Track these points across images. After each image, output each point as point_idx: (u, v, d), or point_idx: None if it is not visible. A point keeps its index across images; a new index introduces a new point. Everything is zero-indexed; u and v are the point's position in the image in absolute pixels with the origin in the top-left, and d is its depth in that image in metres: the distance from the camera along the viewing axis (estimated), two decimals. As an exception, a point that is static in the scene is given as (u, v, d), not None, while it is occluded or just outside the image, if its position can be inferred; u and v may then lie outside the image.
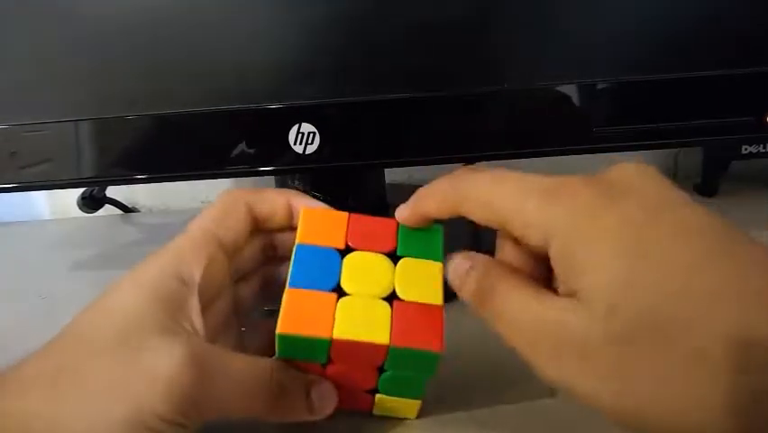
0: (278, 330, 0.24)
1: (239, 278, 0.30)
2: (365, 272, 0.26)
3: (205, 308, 0.26)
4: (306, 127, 0.38)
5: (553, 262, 0.21)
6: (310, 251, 0.26)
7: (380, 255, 0.26)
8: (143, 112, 0.38)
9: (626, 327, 0.18)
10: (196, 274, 0.25)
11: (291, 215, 0.29)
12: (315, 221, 0.27)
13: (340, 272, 0.26)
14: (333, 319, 0.24)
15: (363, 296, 0.25)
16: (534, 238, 0.21)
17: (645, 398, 0.19)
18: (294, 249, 0.26)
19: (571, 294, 0.20)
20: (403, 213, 0.27)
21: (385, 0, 0.37)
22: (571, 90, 0.38)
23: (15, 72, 0.38)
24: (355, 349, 0.24)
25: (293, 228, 0.28)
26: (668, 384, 0.18)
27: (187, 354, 0.22)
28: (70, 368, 0.22)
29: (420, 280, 0.26)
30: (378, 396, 0.26)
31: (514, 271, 0.23)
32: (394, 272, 0.26)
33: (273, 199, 0.29)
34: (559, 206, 0.20)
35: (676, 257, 0.18)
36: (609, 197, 0.20)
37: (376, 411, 0.27)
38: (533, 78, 0.38)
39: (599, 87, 0.37)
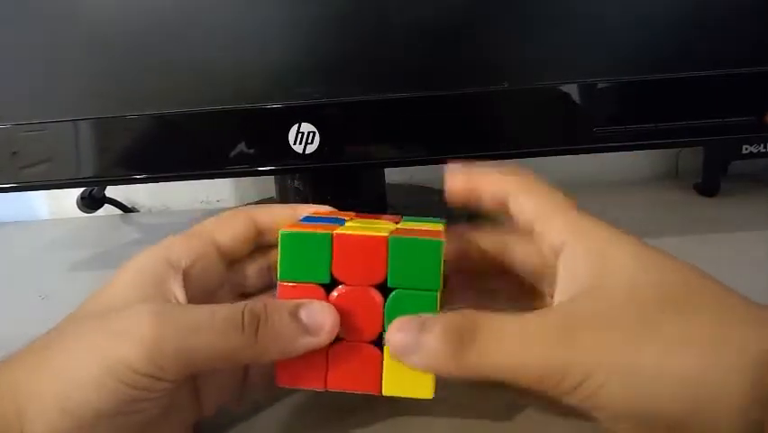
0: (281, 230, 0.25)
1: (243, 294, 0.30)
2: (367, 225, 0.28)
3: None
4: (306, 127, 0.38)
5: (569, 258, 0.24)
6: (316, 218, 0.28)
7: (384, 222, 0.28)
8: (143, 112, 0.38)
9: (642, 295, 0.22)
10: (184, 261, 0.26)
11: None
12: (325, 212, 0.30)
13: (343, 225, 0.27)
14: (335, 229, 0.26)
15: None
16: (553, 236, 0.25)
17: (658, 357, 0.21)
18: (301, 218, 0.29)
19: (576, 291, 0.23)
20: (457, 175, 0.27)
21: (384, 0, 0.37)
22: (571, 90, 0.38)
23: (15, 72, 0.38)
24: (357, 252, 0.25)
25: None
26: (685, 344, 0.21)
27: (158, 308, 0.23)
28: (57, 341, 0.24)
29: (421, 227, 0.27)
30: (386, 360, 0.26)
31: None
32: (395, 227, 0.28)
33: (277, 211, 0.30)
34: (583, 218, 0.25)
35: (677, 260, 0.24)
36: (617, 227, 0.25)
37: (386, 390, 0.27)
38: (533, 78, 0.38)
39: (600, 87, 0.38)
